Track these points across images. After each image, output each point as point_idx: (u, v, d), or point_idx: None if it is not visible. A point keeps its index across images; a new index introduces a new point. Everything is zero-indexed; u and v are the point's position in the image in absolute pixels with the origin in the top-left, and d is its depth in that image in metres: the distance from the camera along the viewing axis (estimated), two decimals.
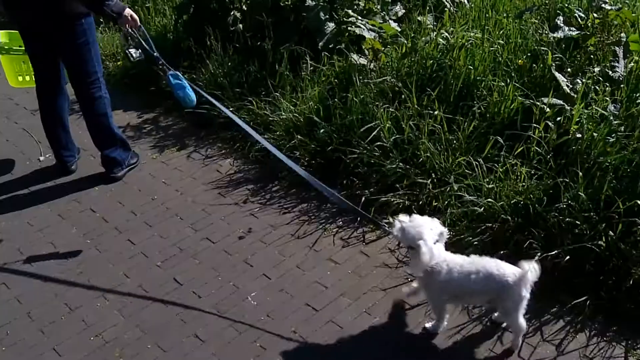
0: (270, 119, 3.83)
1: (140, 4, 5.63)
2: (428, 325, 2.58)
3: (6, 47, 3.90)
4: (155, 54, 3.39)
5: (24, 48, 3.67)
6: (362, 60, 3.91)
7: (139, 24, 3.38)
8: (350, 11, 4.30)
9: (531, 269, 2.28)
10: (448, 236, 2.47)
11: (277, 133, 3.74)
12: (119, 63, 5.10)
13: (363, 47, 4.12)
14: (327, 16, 4.20)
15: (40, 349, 2.58)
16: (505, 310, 2.41)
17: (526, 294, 2.33)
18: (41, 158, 4.05)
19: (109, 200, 3.58)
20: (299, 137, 3.63)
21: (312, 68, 4.03)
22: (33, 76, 3.70)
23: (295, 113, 3.76)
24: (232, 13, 4.65)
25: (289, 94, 3.93)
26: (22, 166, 3.98)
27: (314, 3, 4.21)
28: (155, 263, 3.05)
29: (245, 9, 4.65)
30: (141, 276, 2.97)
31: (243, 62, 4.28)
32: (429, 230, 2.35)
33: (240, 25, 4.58)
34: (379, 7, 4.49)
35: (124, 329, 2.66)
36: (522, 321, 2.39)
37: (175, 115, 4.45)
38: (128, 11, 3.30)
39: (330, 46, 4.13)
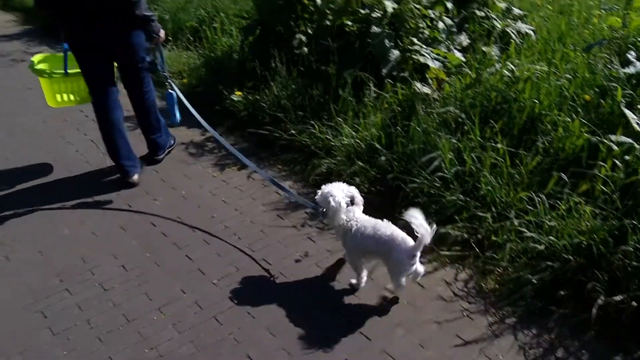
0: (332, 143, 3.84)
1: (208, 24, 5.78)
2: (353, 280, 2.97)
3: (47, 70, 4.08)
4: (165, 73, 3.98)
5: (62, 71, 4.00)
6: (426, 89, 3.90)
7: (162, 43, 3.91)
8: (415, 39, 4.31)
9: (419, 241, 2.61)
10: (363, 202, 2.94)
11: (338, 158, 3.75)
12: (184, 80, 5.23)
13: (427, 75, 4.12)
14: (392, 43, 4.22)
15: (97, 356, 2.65)
16: (389, 270, 2.81)
17: (410, 261, 2.70)
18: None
19: (169, 215, 3.66)
20: (359, 163, 3.63)
21: (375, 95, 4.04)
22: (71, 95, 4.10)
23: (357, 139, 3.77)
24: (297, 36, 4.73)
25: (351, 119, 3.95)
26: (89, 177, 4.11)
27: (379, 30, 4.23)
28: (211, 280, 3.09)
29: (311, 32, 4.72)
30: (197, 292, 3.01)
31: (307, 86, 4.32)
32: (340, 191, 2.86)
33: (305, 49, 4.64)
34: (443, 36, 4.48)
35: (178, 343, 2.69)
36: (403, 283, 2.78)
37: (237, 134, 4.53)
38: (162, 32, 3.86)
39: (394, 73, 4.15)
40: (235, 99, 4.58)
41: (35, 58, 4.20)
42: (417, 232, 2.59)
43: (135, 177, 3.99)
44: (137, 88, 3.94)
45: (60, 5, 3.52)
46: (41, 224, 3.63)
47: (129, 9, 3.55)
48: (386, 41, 4.19)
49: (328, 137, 3.91)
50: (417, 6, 4.38)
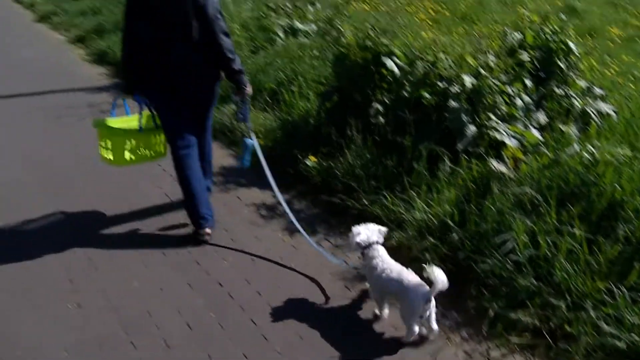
0: (404, 216, 3.83)
1: (286, 86, 5.94)
2: (376, 311, 3.25)
3: (122, 129, 4.17)
4: (249, 123, 4.35)
5: (135, 128, 4.15)
6: (502, 168, 3.86)
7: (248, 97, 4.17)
8: (492, 115, 4.29)
9: (434, 286, 2.86)
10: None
11: (409, 232, 3.73)
12: (260, 141, 5.34)
13: (503, 153, 4.08)
14: (469, 118, 4.21)
15: None
16: (403, 313, 3.04)
17: (424, 305, 2.92)
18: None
19: (236, 276, 3.70)
20: (430, 239, 3.60)
21: (449, 169, 4.02)
22: (146, 151, 4.25)
23: (429, 214, 3.74)
24: (374, 105, 4.79)
25: (424, 193, 3.93)
26: (161, 232, 4.22)
27: (457, 105, 4.24)
28: (274, 348, 3.08)
29: (388, 102, 4.78)
30: (259, 359, 3.01)
31: (381, 156, 4.35)
32: (368, 230, 3.26)
33: (382, 118, 4.69)
34: (521, 113, 4.45)
35: None
36: (415, 329, 2.98)
37: (309, 199, 4.57)
38: (250, 86, 4.16)
39: (469, 149, 4.13)
40: (309, 164, 4.65)
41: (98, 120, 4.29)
42: (432, 278, 2.88)
43: (209, 230, 4.06)
44: (202, 136, 4.22)
45: (149, 59, 3.85)
46: (113, 274, 3.74)
47: (226, 64, 3.92)
48: (463, 116, 4.19)
49: (400, 209, 3.89)
50: (496, 82, 4.38)
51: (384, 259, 3.18)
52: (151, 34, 3.81)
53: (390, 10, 11.57)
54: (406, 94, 4.60)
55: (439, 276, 2.87)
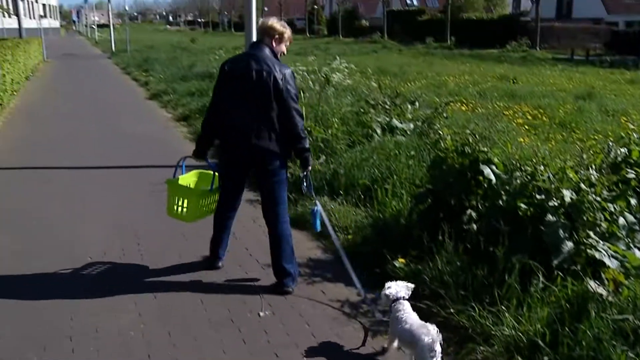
0: (492, 331, 3.68)
1: (380, 184, 5.99)
2: (385, 345, 3.82)
3: (203, 188, 4.94)
4: (312, 194, 4.90)
5: (208, 188, 4.84)
6: (600, 290, 3.67)
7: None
8: (591, 233, 4.14)
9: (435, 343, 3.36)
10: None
11: (496, 348, 3.57)
12: (349, 237, 5.38)
13: (602, 274, 3.89)
14: (566, 234, 4.07)
15: None
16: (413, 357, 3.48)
17: (430, 353, 3.34)
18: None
19: None
20: (519, 358, 3.43)
21: (543, 286, 3.87)
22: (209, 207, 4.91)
23: (519, 331, 3.58)
24: (468, 212, 4.74)
25: (514, 308, 3.78)
26: (243, 317, 4.26)
27: (555, 219, 4.13)
28: None
29: (482, 209, 4.71)
30: None
31: (471, 264, 4.25)
32: (395, 285, 3.83)
33: (475, 226, 4.63)
34: (623, 232, 4.26)
35: None
36: None
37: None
38: (312, 161, 4.80)
39: (565, 266, 3.97)
40: (397, 265, 4.61)
41: (170, 180, 4.94)
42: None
43: (220, 264, 4.96)
44: (273, 207, 4.60)
45: (226, 131, 4.47)
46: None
47: (298, 142, 4.45)
48: (560, 231, 4.06)
49: (488, 323, 3.75)
50: (597, 198, 4.24)
51: (405, 312, 3.67)
52: (234, 109, 4.40)
53: (487, 112, 11.63)
54: (502, 203, 4.53)
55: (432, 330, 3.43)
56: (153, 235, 5.75)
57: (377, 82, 11.11)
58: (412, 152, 6.64)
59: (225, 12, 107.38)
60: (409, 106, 8.60)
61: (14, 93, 16.74)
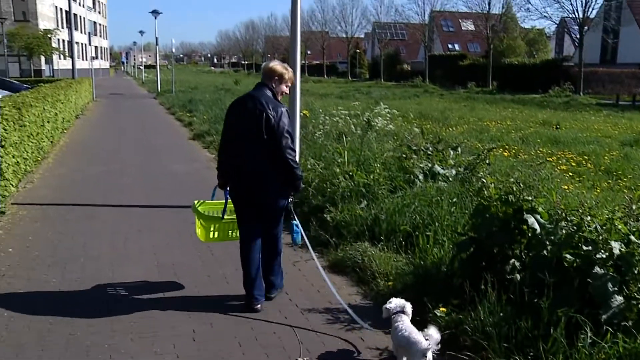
0: None
1: (421, 230, 5.94)
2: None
3: (206, 213, 5.55)
4: (295, 217, 5.40)
5: (219, 215, 5.44)
6: None
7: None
8: None
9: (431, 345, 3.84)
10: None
11: None
12: (389, 283, 5.32)
13: None
14: (616, 288, 3.95)
15: None
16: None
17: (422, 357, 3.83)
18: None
19: None
20: None
21: (591, 341, 3.74)
22: (223, 233, 5.47)
23: None
24: (511, 261, 4.65)
25: None
26: None
27: (603, 271, 4.01)
28: None
29: (526, 259, 4.62)
30: None
31: (515, 316, 4.14)
32: (396, 300, 4.30)
33: (518, 276, 4.53)
34: None
35: None
36: None
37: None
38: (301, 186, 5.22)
39: (615, 321, 3.84)
40: (438, 314, 4.53)
41: (197, 202, 5.60)
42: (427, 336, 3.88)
43: (259, 306, 5.02)
44: (270, 232, 5.10)
45: (232, 168, 4.97)
46: None
47: (289, 172, 4.91)
48: (609, 285, 3.94)
49: None
50: None
51: (404, 323, 4.12)
52: (234, 146, 4.93)
53: (530, 159, 11.50)
54: (546, 253, 4.43)
55: (434, 334, 3.90)
56: (193, 276, 5.79)
57: (420, 127, 11.10)
58: (454, 199, 6.57)
59: (269, 55, 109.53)
60: (451, 152, 8.55)
61: (64, 131, 17.28)
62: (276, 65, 5.05)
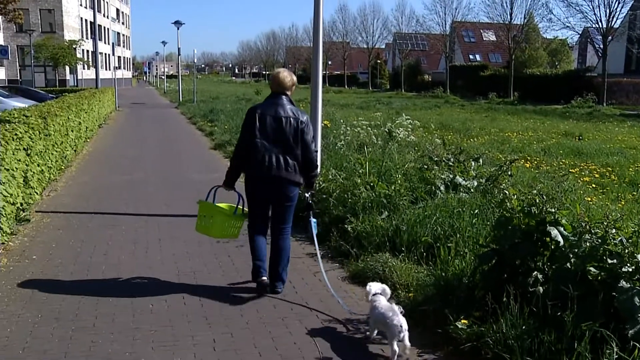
0: None
1: (443, 242, 5.89)
2: (367, 333, 4.73)
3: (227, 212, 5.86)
4: (311, 214, 5.83)
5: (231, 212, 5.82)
6: None
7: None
8: None
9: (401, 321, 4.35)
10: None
11: None
12: (410, 295, 5.29)
13: None
14: None
15: None
16: (388, 337, 4.42)
17: (398, 331, 4.32)
18: None
19: None
20: None
21: (617, 356, 3.68)
22: (232, 230, 5.85)
23: None
24: (534, 274, 4.60)
25: None
26: None
27: (629, 285, 3.95)
28: None
29: (549, 272, 4.56)
30: None
31: (538, 329, 4.09)
32: (375, 284, 4.88)
33: (541, 288, 4.47)
34: None
35: None
36: (395, 348, 4.32)
37: None
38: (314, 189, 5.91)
39: None
40: (459, 326, 4.49)
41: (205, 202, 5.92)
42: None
43: (265, 278, 5.58)
44: (280, 228, 5.61)
45: (256, 169, 5.37)
46: None
47: (311, 171, 5.58)
48: (636, 299, 3.87)
49: None
50: None
51: (381, 302, 4.63)
52: (265, 147, 5.35)
53: (553, 170, 11.39)
54: (570, 267, 4.37)
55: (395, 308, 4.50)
56: (213, 285, 5.81)
57: (442, 138, 11.06)
58: (476, 210, 6.51)
59: (290, 65, 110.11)
60: (473, 163, 8.49)
61: (88, 140, 17.50)
62: (288, 75, 5.63)
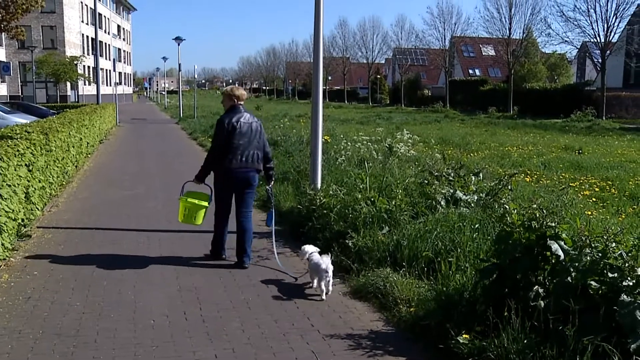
0: None
1: (444, 256, 5.90)
2: (314, 285, 6.07)
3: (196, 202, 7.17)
4: (273, 201, 7.61)
5: (206, 203, 7.19)
6: None
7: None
8: None
9: (328, 265, 5.87)
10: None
11: None
12: (411, 309, 5.29)
13: None
14: None
15: None
16: (317, 279, 5.96)
17: (325, 274, 5.85)
18: None
19: None
20: None
21: None
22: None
23: None
24: (535, 288, 4.60)
25: None
26: None
27: (630, 299, 3.95)
28: None
29: (549, 287, 4.56)
30: None
31: (539, 343, 4.09)
32: (310, 247, 6.36)
33: (542, 302, 4.47)
34: None
35: None
36: (323, 287, 5.87)
37: None
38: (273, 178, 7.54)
39: None
40: (461, 340, 4.48)
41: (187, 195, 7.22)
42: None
43: (224, 256, 7.18)
44: (245, 211, 7.03)
45: (229, 164, 6.75)
46: None
47: (269, 163, 7.21)
48: (637, 313, 3.87)
49: None
50: None
51: (314, 257, 6.09)
52: (240, 148, 6.76)
53: (553, 184, 11.40)
54: (571, 280, 4.38)
55: (326, 259, 5.99)
56: (214, 301, 5.81)
57: (442, 153, 11.10)
58: (477, 225, 6.52)
59: (290, 81, 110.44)
60: (473, 177, 8.51)
61: (89, 155, 17.54)
62: (243, 89, 7.32)
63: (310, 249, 6.23)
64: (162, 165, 16.38)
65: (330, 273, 5.84)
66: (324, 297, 5.83)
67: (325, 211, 7.93)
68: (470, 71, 76.02)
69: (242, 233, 6.90)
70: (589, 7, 42.75)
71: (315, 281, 6.01)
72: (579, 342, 3.93)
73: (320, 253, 6.21)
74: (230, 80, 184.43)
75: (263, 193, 8.90)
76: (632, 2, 41.73)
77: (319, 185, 9.02)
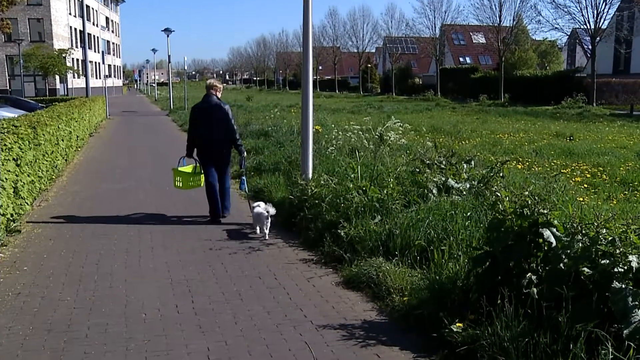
0: None
1: (436, 245, 5.88)
2: (258, 233, 7.83)
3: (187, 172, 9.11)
4: (244, 170, 9.40)
5: (191, 171, 9.12)
6: None
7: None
8: None
9: (268, 210, 7.68)
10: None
11: None
12: (404, 299, 5.27)
13: None
14: (636, 303, 3.87)
15: None
16: (259, 225, 7.78)
17: (265, 219, 7.64)
18: None
19: None
20: None
21: (612, 357, 3.66)
22: (193, 183, 9.17)
23: None
24: (527, 275, 4.59)
25: None
26: None
27: (622, 286, 3.94)
28: None
29: (542, 274, 4.55)
30: None
31: (533, 330, 4.08)
32: (260, 203, 8.03)
33: (535, 290, 4.46)
34: None
35: None
36: (262, 231, 7.73)
37: None
38: (244, 152, 9.30)
39: (637, 337, 3.76)
40: (454, 329, 4.47)
41: (181, 168, 9.11)
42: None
43: (225, 215, 8.88)
44: (223, 176, 8.85)
45: (201, 142, 8.72)
46: None
47: (235, 141, 8.82)
48: (629, 299, 3.86)
49: None
50: None
51: (259, 206, 7.65)
52: (208, 130, 8.59)
53: (544, 170, 11.40)
54: (563, 267, 4.37)
55: (269, 208, 7.64)
56: (206, 293, 5.78)
57: (433, 141, 11.06)
58: (469, 213, 6.50)
59: (280, 71, 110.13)
60: (465, 165, 8.49)
61: (79, 149, 17.42)
62: (217, 82, 9.11)
63: (257, 203, 7.90)
64: (152, 158, 16.28)
65: (269, 218, 7.60)
66: (267, 237, 7.59)
67: (316, 201, 7.89)
68: (461, 59, 75.99)
69: (222, 192, 8.77)
70: None
71: (258, 228, 7.76)
72: (572, 329, 3.92)
73: (266, 202, 7.99)
74: (221, 72, 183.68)
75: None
76: None
77: (310, 175, 8.97)
